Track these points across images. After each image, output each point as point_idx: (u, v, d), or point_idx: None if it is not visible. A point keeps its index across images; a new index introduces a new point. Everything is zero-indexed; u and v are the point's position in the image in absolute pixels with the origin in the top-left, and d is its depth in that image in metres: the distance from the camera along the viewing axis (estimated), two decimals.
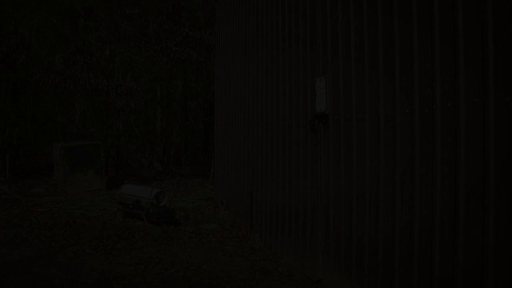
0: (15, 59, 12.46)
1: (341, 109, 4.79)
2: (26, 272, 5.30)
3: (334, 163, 4.91)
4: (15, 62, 12.53)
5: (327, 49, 5.07)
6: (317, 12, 5.37)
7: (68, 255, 6.11)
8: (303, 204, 5.65)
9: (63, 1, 17.61)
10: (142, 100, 21.19)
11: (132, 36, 17.88)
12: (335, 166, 4.89)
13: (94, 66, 14.47)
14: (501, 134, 2.90)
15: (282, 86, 6.37)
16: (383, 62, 4.09)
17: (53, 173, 14.93)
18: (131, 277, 5.24)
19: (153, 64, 18.32)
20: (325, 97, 5.06)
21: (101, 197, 11.73)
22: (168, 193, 9.27)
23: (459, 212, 3.17)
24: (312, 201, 5.41)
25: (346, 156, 4.69)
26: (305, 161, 5.59)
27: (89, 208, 9.96)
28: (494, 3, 2.93)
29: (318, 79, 5.24)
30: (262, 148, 7.16)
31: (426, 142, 3.54)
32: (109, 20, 15.90)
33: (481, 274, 2.99)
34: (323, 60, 5.18)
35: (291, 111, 6.02)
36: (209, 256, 6.28)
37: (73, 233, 7.19)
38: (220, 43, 10.99)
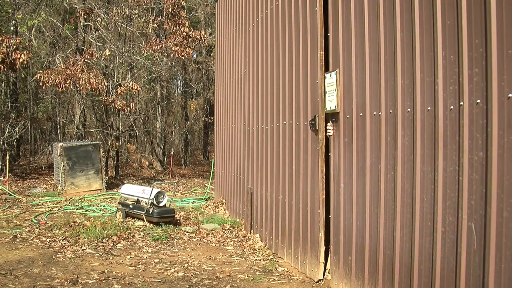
0: (15, 59, 12.46)
1: (354, 107, 4.48)
2: (26, 272, 5.30)
3: (346, 164, 4.65)
4: (15, 62, 12.52)
5: (338, 43, 4.77)
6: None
7: (68, 255, 6.10)
8: (303, 204, 5.64)
9: (63, 1, 17.63)
10: (142, 100, 21.22)
11: (132, 36, 17.90)
12: (347, 167, 4.63)
13: (94, 66, 14.47)
14: None
15: (282, 85, 6.36)
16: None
17: (53, 173, 14.95)
18: (131, 277, 5.23)
19: (153, 64, 18.33)
20: (335, 94, 4.76)
21: (101, 197, 11.73)
22: (168, 193, 9.27)
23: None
24: (313, 202, 5.40)
25: (359, 156, 4.39)
26: (306, 161, 5.58)
27: (89, 208, 9.97)
28: None
29: (328, 75, 4.93)
30: (262, 148, 7.15)
31: (452, 142, 3.21)
32: (109, 20, 15.90)
33: None
34: (334, 54, 4.89)
35: (292, 110, 6.00)
36: (209, 256, 6.28)
37: (73, 233, 7.18)
38: (220, 43, 10.99)
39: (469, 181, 3.05)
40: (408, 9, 3.68)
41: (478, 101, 2.98)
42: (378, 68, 4.07)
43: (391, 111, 3.89)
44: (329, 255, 5.11)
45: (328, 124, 5.01)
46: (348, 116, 4.62)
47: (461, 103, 3.10)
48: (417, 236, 3.54)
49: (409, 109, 3.67)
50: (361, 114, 4.37)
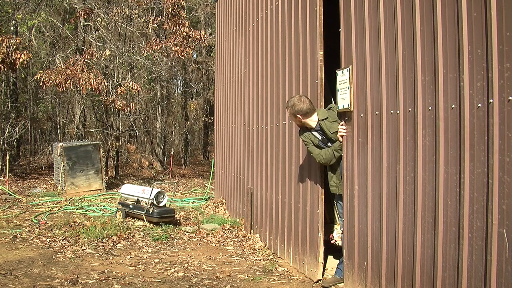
0: (15, 59, 12.46)
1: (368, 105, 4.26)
2: (26, 272, 5.30)
3: (360, 165, 4.42)
4: (15, 62, 12.53)
5: (351, 38, 4.54)
6: None
7: (68, 255, 6.11)
8: (303, 204, 5.65)
9: (63, 1, 17.64)
10: (142, 100, 21.24)
11: (132, 36, 17.91)
12: (362, 168, 4.40)
13: (94, 66, 14.48)
14: None
15: (282, 85, 6.37)
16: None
17: (53, 173, 14.96)
18: (131, 277, 5.23)
19: (153, 64, 18.34)
20: (348, 92, 4.51)
21: (101, 197, 11.74)
22: (168, 193, 9.27)
23: None
24: (312, 202, 5.40)
25: (375, 157, 4.17)
26: (306, 161, 5.58)
27: (89, 208, 9.97)
28: None
29: (340, 72, 4.72)
30: (262, 148, 7.16)
31: (480, 142, 3.00)
32: (109, 20, 15.91)
33: None
34: (347, 50, 4.64)
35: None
36: (209, 256, 6.28)
37: (73, 233, 7.19)
38: (219, 43, 11.00)
39: (500, 184, 2.83)
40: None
41: (510, 98, 2.77)
42: (395, 64, 3.84)
43: (410, 109, 3.67)
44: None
45: (341, 123, 4.77)
46: (362, 115, 4.38)
47: (491, 101, 2.89)
48: (440, 242, 3.34)
49: (430, 107, 3.45)
50: (376, 112, 4.14)
